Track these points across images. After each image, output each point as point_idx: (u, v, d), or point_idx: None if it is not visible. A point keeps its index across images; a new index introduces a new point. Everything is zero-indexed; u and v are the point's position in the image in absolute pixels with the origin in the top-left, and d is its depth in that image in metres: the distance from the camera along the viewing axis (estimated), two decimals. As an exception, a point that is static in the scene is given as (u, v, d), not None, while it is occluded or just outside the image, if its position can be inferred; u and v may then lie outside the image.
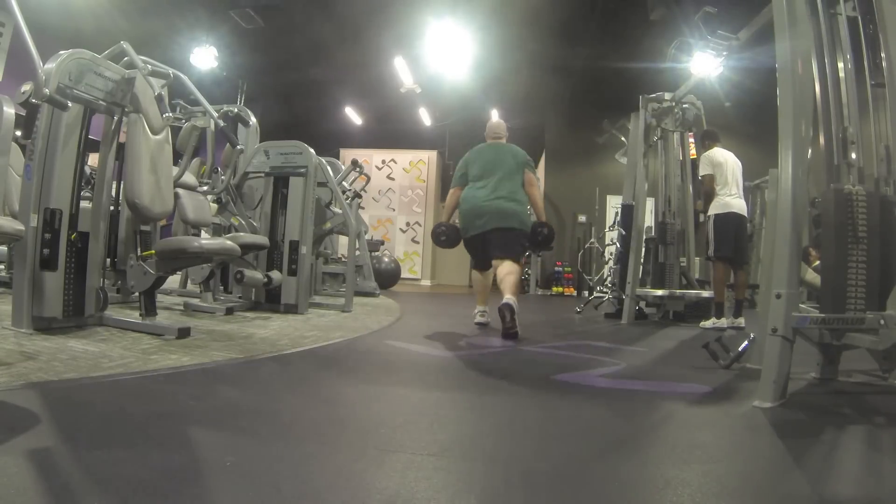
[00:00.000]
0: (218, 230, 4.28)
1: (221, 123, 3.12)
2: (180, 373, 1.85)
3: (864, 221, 1.95)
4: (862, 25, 2.16)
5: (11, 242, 2.40)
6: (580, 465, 1.21)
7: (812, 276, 4.37)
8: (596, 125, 8.16)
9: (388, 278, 7.86)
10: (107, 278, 3.01)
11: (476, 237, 3.64)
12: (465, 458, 1.21)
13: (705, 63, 5.25)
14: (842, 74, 2.17)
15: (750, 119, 7.48)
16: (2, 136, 2.83)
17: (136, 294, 2.78)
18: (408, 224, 10.89)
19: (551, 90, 8.92)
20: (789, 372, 1.77)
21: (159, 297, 3.47)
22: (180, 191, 3.63)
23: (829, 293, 1.98)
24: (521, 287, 8.58)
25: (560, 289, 9.16)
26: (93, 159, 3.20)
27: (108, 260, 3.08)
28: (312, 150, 4.05)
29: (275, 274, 3.86)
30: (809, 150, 1.89)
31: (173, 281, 4.59)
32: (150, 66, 2.61)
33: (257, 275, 3.79)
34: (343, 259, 6.42)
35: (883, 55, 2.08)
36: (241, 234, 3.77)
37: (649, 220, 5.32)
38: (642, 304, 4.90)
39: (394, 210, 10.93)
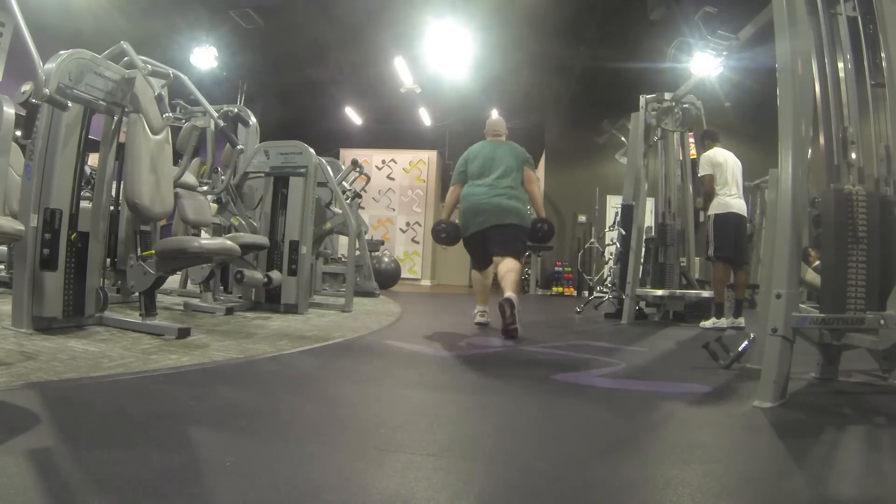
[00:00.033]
0: (218, 230, 4.28)
1: (221, 123, 3.12)
2: (180, 373, 1.85)
3: (864, 221, 1.95)
4: (862, 25, 2.16)
5: (11, 242, 2.40)
6: (580, 465, 1.21)
7: (812, 276, 4.37)
8: (596, 125, 8.16)
9: (388, 278, 7.86)
10: (107, 278, 3.02)
11: (476, 234, 3.64)
12: (465, 458, 1.21)
13: (705, 63, 5.25)
14: (842, 74, 2.17)
15: (750, 119, 7.48)
16: (2, 136, 2.83)
17: (136, 294, 2.78)
18: (408, 224, 10.89)
19: (551, 90, 8.92)
20: (789, 372, 1.78)
21: (159, 297, 3.47)
22: (180, 191, 3.64)
23: (829, 293, 1.98)
24: (522, 287, 8.58)
25: (560, 289, 9.16)
26: (93, 159, 3.20)
27: (108, 260, 3.08)
28: (312, 150, 4.05)
29: (275, 274, 3.86)
30: (809, 150, 1.90)
31: (173, 281, 4.59)
32: (150, 66, 2.61)
33: (257, 275, 3.79)
34: (343, 259, 6.42)
35: (883, 55, 2.08)
36: (241, 234, 3.77)
37: (649, 220, 5.33)
38: (642, 304, 4.90)
39: (394, 210, 10.93)
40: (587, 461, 1.24)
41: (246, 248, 3.45)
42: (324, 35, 7.25)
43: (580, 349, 3.04)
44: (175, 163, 3.17)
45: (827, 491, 1.12)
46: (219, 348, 2.31)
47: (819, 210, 2.07)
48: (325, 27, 7.04)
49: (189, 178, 3.95)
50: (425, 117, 10.50)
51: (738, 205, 4.28)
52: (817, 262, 3.92)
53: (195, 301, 3.71)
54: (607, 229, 7.90)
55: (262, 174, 4.12)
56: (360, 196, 6.57)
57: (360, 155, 9.10)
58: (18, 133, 3.36)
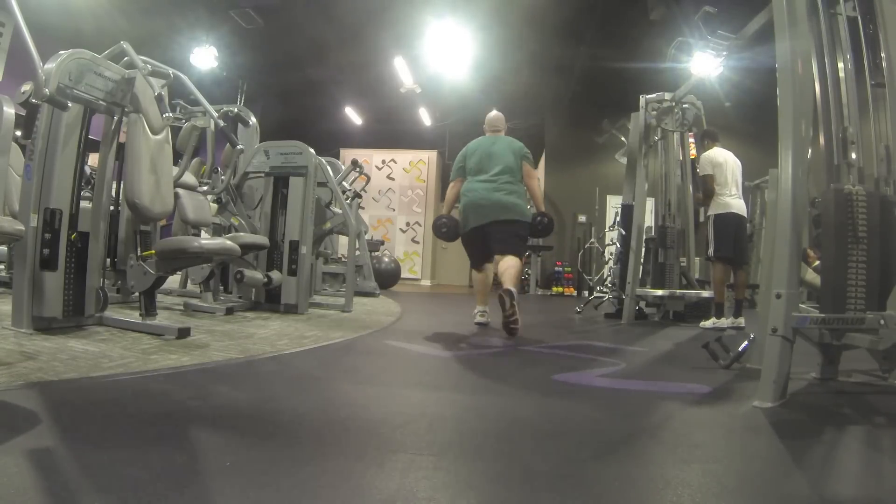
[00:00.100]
0: (218, 230, 4.28)
1: (221, 123, 3.12)
2: (180, 373, 1.85)
3: (864, 221, 1.95)
4: (862, 25, 2.16)
5: (11, 242, 2.40)
6: (580, 465, 1.21)
7: (812, 276, 4.36)
8: (596, 125, 8.17)
9: (388, 278, 7.86)
10: (107, 278, 3.02)
11: (476, 230, 3.63)
12: (465, 458, 1.21)
13: (705, 63, 5.26)
14: (842, 74, 2.17)
15: (750, 119, 7.48)
16: (2, 136, 2.82)
17: (136, 294, 2.78)
18: (408, 224, 10.89)
19: (551, 90, 8.92)
20: (789, 372, 1.78)
21: (159, 297, 3.47)
22: (180, 191, 3.63)
23: (829, 293, 1.98)
24: (522, 287, 8.58)
25: (560, 289, 9.16)
26: (93, 159, 3.20)
27: (108, 260, 3.08)
28: (312, 150, 4.05)
29: (275, 274, 3.86)
30: (809, 150, 1.90)
31: (173, 281, 4.59)
32: (150, 66, 2.61)
33: (257, 275, 3.79)
34: (343, 259, 6.42)
35: (883, 55, 2.08)
36: (241, 234, 3.77)
37: (649, 220, 5.33)
38: (642, 304, 4.90)
39: (394, 210, 10.93)
40: (587, 461, 1.24)
41: (246, 248, 3.45)
42: (324, 35, 7.24)
43: (580, 349, 3.04)
44: (175, 163, 3.17)
45: (827, 491, 1.12)
46: (219, 348, 2.31)
47: (819, 210, 2.07)
48: (325, 27, 7.03)
49: (189, 178, 3.95)
50: (425, 117, 10.49)
51: (738, 205, 4.28)
52: (817, 262, 3.91)
53: (195, 301, 3.71)
54: (607, 229, 7.90)
55: (262, 174, 4.12)
56: (360, 196, 6.57)
57: (360, 155, 9.09)
58: (18, 133, 3.36)
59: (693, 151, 5.27)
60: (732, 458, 1.34)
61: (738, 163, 4.39)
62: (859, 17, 2.17)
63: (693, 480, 1.11)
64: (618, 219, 5.50)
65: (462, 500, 0.98)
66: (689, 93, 4.77)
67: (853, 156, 2.09)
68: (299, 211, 3.96)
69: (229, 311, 3.52)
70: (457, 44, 6.96)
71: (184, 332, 2.47)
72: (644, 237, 4.90)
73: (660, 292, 4.73)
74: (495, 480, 1.10)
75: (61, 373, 1.67)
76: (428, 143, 11.09)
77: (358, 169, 6.10)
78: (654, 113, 4.84)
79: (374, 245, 8.01)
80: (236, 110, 4.35)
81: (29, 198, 2.31)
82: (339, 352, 2.57)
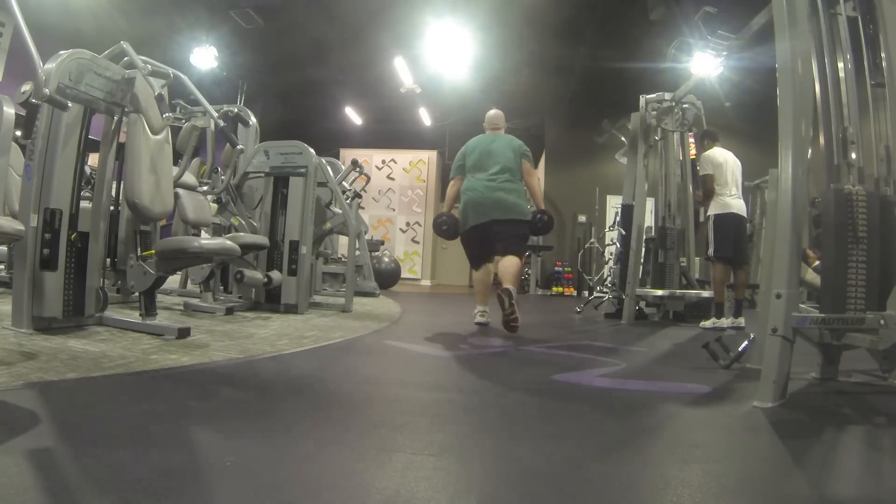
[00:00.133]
0: (218, 230, 4.28)
1: (221, 123, 3.12)
2: (180, 373, 1.85)
3: (864, 221, 1.95)
4: (862, 25, 2.16)
5: (11, 242, 2.40)
6: (580, 465, 1.21)
7: (812, 276, 4.37)
8: (596, 125, 8.16)
9: (388, 278, 7.86)
10: (107, 278, 3.02)
11: (476, 228, 3.62)
12: (465, 458, 1.21)
13: (705, 63, 5.26)
14: (842, 74, 2.17)
15: (750, 119, 7.48)
16: (2, 135, 2.82)
17: (136, 294, 2.78)
18: (408, 224, 10.89)
19: (551, 90, 8.92)
20: (789, 372, 1.78)
21: (159, 297, 3.46)
22: (180, 191, 3.63)
23: (829, 293, 1.98)
24: (522, 287, 8.58)
25: (560, 289, 9.16)
26: (93, 159, 3.20)
27: (108, 260, 3.08)
28: (312, 150, 4.05)
29: (275, 274, 3.86)
30: (809, 150, 1.90)
31: (173, 281, 4.59)
32: (150, 66, 2.61)
33: (257, 275, 3.79)
34: (343, 259, 6.42)
35: (883, 55, 2.08)
36: (241, 234, 3.77)
37: (649, 220, 5.33)
38: (642, 304, 4.90)
39: (394, 210, 10.93)
40: (587, 461, 1.24)
41: (246, 248, 3.45)
42: (324, 35, 7.24)
43: (580, 349, 3.04)
44: (175, 163, 3.17)
45: (827, 491, 1.12)
46: (219, 348, 2.31)
47: (819, 210, 2.07)
48: (325, 27, 7.03)
49: (189, 178, 3.95)
50: (425, 117, 10.49)
51: (738, 205, 4.28)
52: (817, 262, 3.91)
53: (195, 301, 3.71)
54: (607, 229, 7.90)
55: (262, 174, 4.12)
56: (360, 196, 6.57)
57: (360, 155, 9.09)
58: (18, 133, 3.36)
59: (693, 151, 5.27)
60: (732, 458, 1.34)
61: (738, 163, 4.39)
62: (859, 17, 2.17)
63: (693, 480, 1.11)
64: (618, 219, 5.50)
65: (462, 500, 0.98)
66: (689, 93, 4.77)
67: (853, 156, 2.09)
68: (299, 211, 3.96)
69: (229, 311, 3.52)
70: (457, 44, 6.96)
71: (184, 332, 2.47)
72: (644, 237, 4.90)
73: (660, 292, 4.73)
74: (495, 480, 1.10)
75: (61, 373, 1.67)
76: (428, 143, 11.09)
77: (358, 169, 6.10)
78: (654, 113, 4.84)
79: (374, 245, 8.01)
80: (236, 110, 4.35)
81: (29, 198, 2.31)
82: (339, 352, 2.57)
